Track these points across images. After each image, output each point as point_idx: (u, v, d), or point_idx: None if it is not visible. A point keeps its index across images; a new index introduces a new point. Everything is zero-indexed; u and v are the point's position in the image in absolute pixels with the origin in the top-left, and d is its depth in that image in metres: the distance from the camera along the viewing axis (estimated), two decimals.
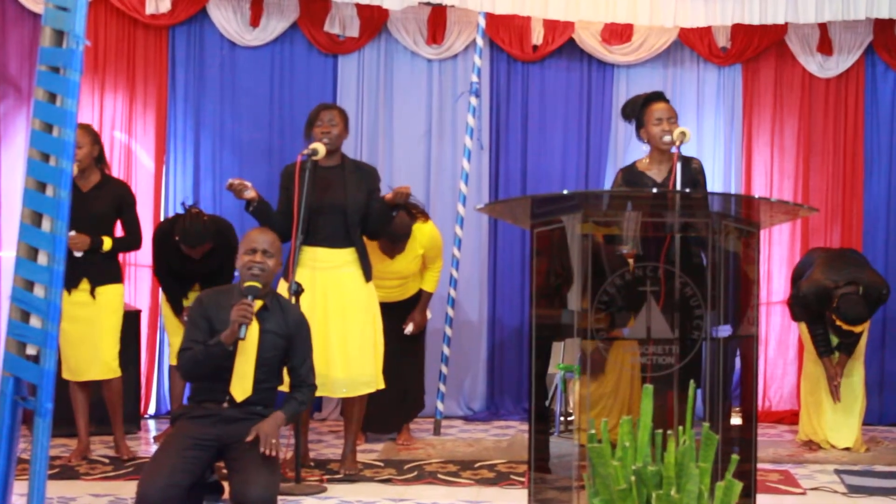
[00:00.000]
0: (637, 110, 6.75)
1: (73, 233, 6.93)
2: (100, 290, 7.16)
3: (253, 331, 5.56)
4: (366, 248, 6.99)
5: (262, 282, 5.63)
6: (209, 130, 9.03)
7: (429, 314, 8.11)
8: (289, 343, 5.72)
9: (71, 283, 7.01)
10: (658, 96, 6.81)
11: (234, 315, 5.45)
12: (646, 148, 6.81)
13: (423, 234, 7.76)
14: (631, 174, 6.77)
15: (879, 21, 8.81)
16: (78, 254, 7.01)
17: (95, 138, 7.21)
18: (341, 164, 6.96)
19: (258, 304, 5.63)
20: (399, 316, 7.86)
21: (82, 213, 6.93)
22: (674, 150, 6.44)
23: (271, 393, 5.72)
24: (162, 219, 8.62)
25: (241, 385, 5.54)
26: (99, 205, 7.15)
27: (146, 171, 8.80)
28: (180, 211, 7.69)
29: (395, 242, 7.54)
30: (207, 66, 9.02)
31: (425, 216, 7.86)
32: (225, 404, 5.55)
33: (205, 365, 5.55)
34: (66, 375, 7.16)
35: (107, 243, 7.14)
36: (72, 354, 7.13)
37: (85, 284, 7.12)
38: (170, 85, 8.94)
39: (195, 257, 7.52)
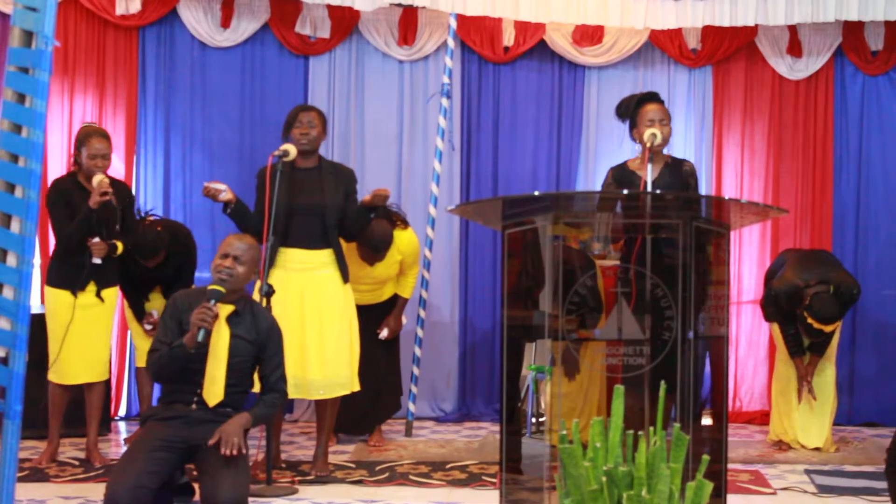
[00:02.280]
0: (631, 110, 6.76)
1: (96, 239, 6.95)
2: (105, 292, 7.15)
3: (224, 336, 5.52)
4: (342, 250, 6.98)
5: (229, 287, 5.57)
6: (179, 131, 8.99)
7: (404, 319, 8.10)
8: (259, 350, 5.68)
9: (78, 286, 7.00)
10: (652, 97, 6.81)
11: (194, 318, 5.41)
12: (638, 148, 6.81)
13: (403, 240, 7.74)
14: (621, 173, 6.77)
15: (848, 23, 8.87)
16: (97, 260, 7.00)
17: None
18: (319, 165, 6.95)
19: (228, 308, 5.59)
20: (374, 319, 7.85)
21: (95, 219, 6.93)
22: (655, 150, 6.48)
23: (241, 396, 5.68)
24: None
25: (213, 390, 5.50)
26: (108, 209, 7.10)
27: (116, 172, 8.71)
28: (137, 211, 7.68)
29: (377, 251, 7.50)
30: (178, 67, 8.99)
31: (405, 223, 7.85)
32: (193, 406, 5.52)
33: (169, 367, 5.51)
34: (54, 378, 7.11)
35: (119, 247, 7.15)
36: (73, 356, 7.06)
37: (92, 287, 7.09)
38: (140, 86, 8.91)
39: (150, 266, 7.51)
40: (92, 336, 7.12)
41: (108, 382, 7.62)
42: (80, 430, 7.42)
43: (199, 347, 5.43)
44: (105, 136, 7.14)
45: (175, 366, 5.49)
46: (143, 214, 7.68)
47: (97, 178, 6.89)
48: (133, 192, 7.49)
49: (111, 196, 6.86)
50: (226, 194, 6.69)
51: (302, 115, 6.95)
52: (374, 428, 8.03)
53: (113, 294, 7.26)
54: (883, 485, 5.91)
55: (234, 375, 5.57)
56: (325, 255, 6.86)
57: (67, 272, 7.02)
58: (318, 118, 6.97)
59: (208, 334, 5.44)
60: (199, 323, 5.38)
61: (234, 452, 5.31)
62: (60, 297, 7.02)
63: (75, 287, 6.98)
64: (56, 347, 7.00)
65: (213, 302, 5.46)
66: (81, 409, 7.33)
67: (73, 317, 6.96)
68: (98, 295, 7.10)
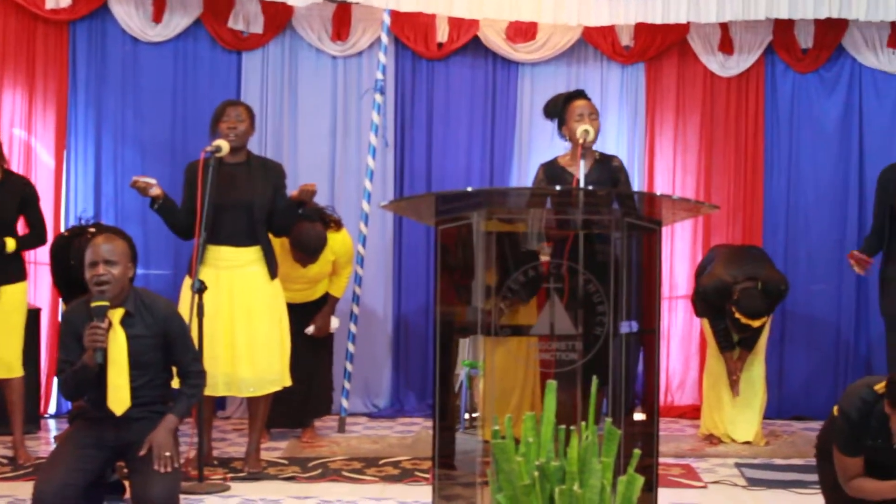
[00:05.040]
0: (559, 108, 6.83)
1: None
2: (2, 289, 7.05)
3: (119, 341, 5.35)
4: (271, 246, 6.95)
5: (111, 293, 5.34)
6: (111, 127, 8.91)
7: (336, 322, 8.06)
8: (165, 339, 5.50)
9: None
10: (579, 94, 6.92)
11: (86, 342, 5.27)
12: (567, 145, 6.87)
13: (336, 242, 7.72)
14: (552, 169, 6.83)
15: (779, 21, 8.95)
16: None
17: None
18: (247, 160, 6.92)
19: (119, 312, 5.39)
20: (306, 317, 7.83)
21: None
22: (586, 146, 6.54)
23: (163, 389, 5.55)
24: (62, 220, 8.57)
25: (118, 397, 5.34)
26: (1, 203, 7.02)
27: (46, 168, 8.66)
28: (79, 221, 7.59)
29: (311, 255, 7.48)
30: (109, 62, 8.90)
31: (338, 225, 7.83)
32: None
33: (79, 387, 5.37)
34: None
35: (10, 244, 7.01)
36: None
37: None
38: (70, 81, 8.81)
39: None
40: None
41: (26, 379, 7.45)
42: (7, 430, 7.34)
43: (102, 364, 5.31)
44: None
45: (85, 384, 5.35)
46: (82, 224, 7.56)
47: None
48: (35, 187, 7.34)
49: None
50: (155, 189, 6.65)
51: (230, 109, 6.91)
52: (307, 424, 8.01)
53: (15, 291, 7.14)
54: (812, 477, 5.98)
55: (146, 374, 5.40)
56: (253, 253, 6.83)
57: None
58: (247, 113, 6.94)
59: (104, 352, 5.31)
60: (93, 345, 5.25)
61: (169, 469, 5.24)
62: None
63: None
64: None
65: (99, 318, 5.31)
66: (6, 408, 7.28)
67: None
68: None
